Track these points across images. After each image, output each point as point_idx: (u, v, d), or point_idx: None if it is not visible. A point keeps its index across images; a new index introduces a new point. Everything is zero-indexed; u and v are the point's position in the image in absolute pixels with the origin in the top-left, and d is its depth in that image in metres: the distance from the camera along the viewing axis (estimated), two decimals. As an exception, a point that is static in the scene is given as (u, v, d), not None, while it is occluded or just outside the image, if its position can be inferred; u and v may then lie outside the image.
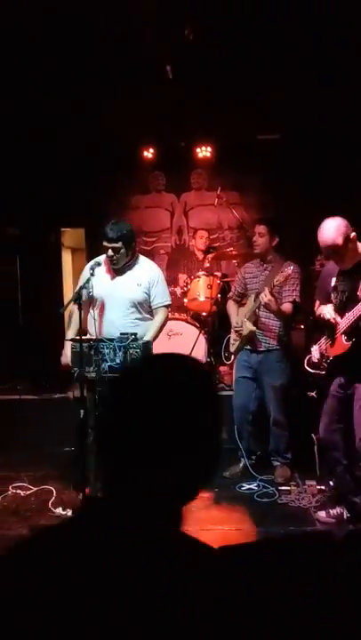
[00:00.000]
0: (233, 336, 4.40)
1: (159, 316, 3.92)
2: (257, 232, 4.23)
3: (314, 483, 3.93)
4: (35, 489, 3.99)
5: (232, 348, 4.41)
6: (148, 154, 6.93)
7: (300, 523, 3.52)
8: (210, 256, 5.93)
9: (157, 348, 3.90)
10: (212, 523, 3.53)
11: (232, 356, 4.48)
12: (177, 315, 5.41)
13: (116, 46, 5.25)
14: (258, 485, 4.06)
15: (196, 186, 7.16)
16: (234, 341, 4.39)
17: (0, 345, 5.82)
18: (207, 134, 6.76)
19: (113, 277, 3.78)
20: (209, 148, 6.87)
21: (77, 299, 3.51)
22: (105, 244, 3.69)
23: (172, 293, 5.66)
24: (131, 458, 0.87)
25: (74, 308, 3.67)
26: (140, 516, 0.84)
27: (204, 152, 6.90)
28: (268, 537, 3.28)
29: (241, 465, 4.30)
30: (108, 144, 6.51)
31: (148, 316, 3.88)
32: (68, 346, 3.78)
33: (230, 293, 4.61)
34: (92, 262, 3.81)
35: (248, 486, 4.07)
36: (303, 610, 0.92)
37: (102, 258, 3.84)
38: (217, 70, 5.63)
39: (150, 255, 7.17)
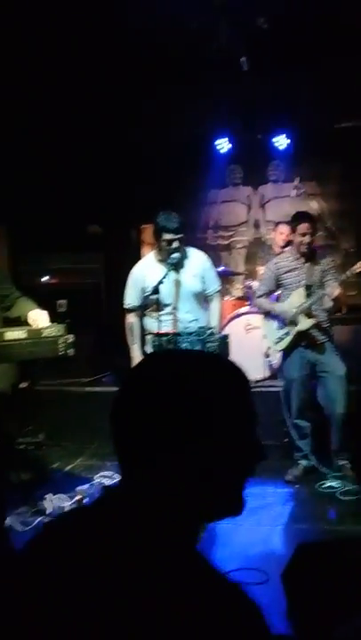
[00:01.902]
0: (280, 333, 4.13)
1: (217, 303, 3.89)
2: (307, 232, 3.96)
3: None
4: (119, 478, 4.14)
5: (280, 345, 4.14)
6: (224, 147, 6.93)
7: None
8: (287, 249, 5.86)
9: (234, 342, 3.93)
10: (292, 520, 3.55)
11: (277, 354, 4.35)
12: (255, 308, 5.39)
13: (190, 39, 5.29)
14: (340, 484, 3.83)
15: (274, 177, 7.08)
16: (279, 339, 4.13)
17: (85, 340, 6.05)
18: (284, 124, 6.66)
19: (173, 274, 3.68)
20: (286, 139, 6.77)
21: (156, 292, 3.49)
22: (169, 237, 3.56)
23: (250, 287, 5.67)
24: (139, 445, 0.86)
25: (130, 315, 3.81)
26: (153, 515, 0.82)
27: (281, 143, 6.80)
28: (349, 537, 3.19)
29: (301, 466, 4.11)
30: (183, 139, 6.58)
31: (204, 304, 3.86)
32: (136, 353, 3.87)
33: (260, 292, 4.28)
34: (149, 262, 3.83)
35: (329, 484, 3.87)
36: None
37: (152, 256, 3.83)
38: (293, 58, 5.54)
39: (227, 250, 7.19)
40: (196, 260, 3.84)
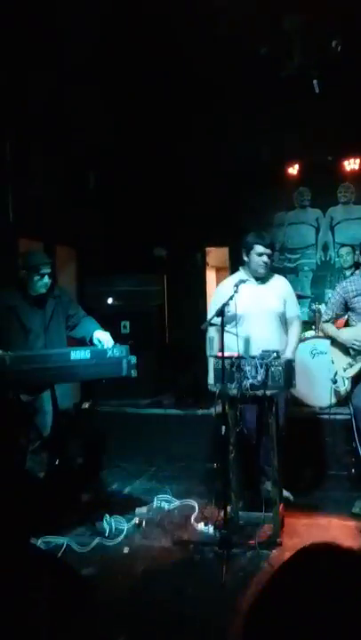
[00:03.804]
0: (349, 358, 3.95)
1: (296, 329, 3.91)
2: None
3: None
4: (178, 502, 4.07)
5: (349, 372, 3.97)
6: (294, 170, 6.86)
7: None
8: (356, 271, 5.67)
9: (300, 367, 3.80)
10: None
11: (346, 381, 4.16)
12: (321, 333, 5.22)
13: (262, 62, 5.30)
14: None
15: (344, 199, 6.94)
16: (349, 365, 3.95)
17: (148, 361, 6.06)
18: (356, 146, 6.52)
19: (257, 291, 3.77)
20: (358, 160, 6.62)
21: (221, 314, 3.44)
22: (262, 250, 3.73)
23: (317, 311, 5.50)
24: None
25: (211, 329, 3.72)
26: None
27: (352, 165, 6.67)
28: None
29: None
30: (252, 162, 6.56)
31: (284, 326, 3.87)
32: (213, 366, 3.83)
33: (326, 317, 4.10)
34: (237, 280, 3.76)
35: None
36: None
37: (241, 276, 3.82)
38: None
39: (294, 272, 7.06)
40: (280, 282, 3.96)
